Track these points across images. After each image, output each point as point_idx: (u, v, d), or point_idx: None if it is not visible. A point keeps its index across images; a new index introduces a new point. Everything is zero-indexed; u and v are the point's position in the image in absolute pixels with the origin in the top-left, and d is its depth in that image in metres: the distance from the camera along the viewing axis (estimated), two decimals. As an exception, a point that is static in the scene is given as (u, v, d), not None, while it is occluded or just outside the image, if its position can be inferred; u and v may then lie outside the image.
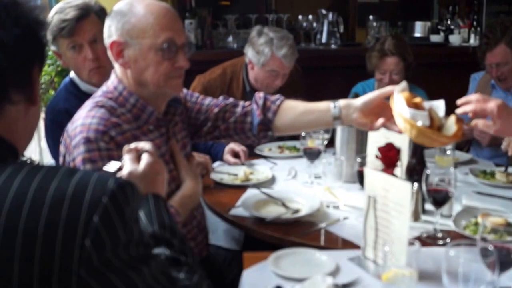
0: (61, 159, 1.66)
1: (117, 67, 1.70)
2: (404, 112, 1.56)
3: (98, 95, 1.70)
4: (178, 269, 1.13)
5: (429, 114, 1.57)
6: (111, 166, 1.41)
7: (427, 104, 1.60)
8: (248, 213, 1.96)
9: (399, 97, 1.59)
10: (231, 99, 1.96)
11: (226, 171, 2.50)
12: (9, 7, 0.94)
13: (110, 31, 1.64)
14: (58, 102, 2.22)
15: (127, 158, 1.34)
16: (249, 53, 3.00)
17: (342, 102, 1.75)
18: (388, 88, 1.67)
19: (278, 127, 1.86)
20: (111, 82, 1.71)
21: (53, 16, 2.11)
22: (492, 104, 1.63)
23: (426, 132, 1.54)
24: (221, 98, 1.97)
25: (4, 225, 0.83)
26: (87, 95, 1.84)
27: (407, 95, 1.59)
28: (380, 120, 1.67)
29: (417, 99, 1.60)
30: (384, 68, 3.10)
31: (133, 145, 1.37)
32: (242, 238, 2.45)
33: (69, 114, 1.73)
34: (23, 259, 0.81)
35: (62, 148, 1.66)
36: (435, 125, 1.56)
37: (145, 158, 1.33)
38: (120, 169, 1.37)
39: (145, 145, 1.37)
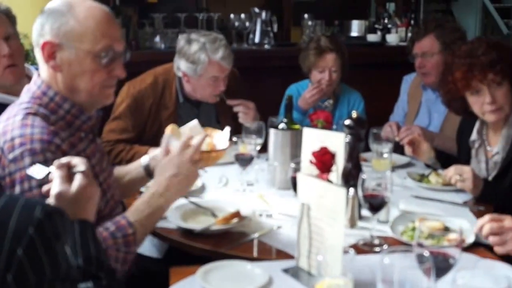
0: None
1: (45, 69, 1.64)
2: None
3: (25, 101, 1.62)
4: None
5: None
6: (36, 171, 1.34)
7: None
8: (175, 225, 1.92)
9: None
10: None
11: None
12: None
13: (43, 30, 1.59)
14: None
15: (57, 175, 1.27)
16: (182, 65, 2.83)
17: (150, 154, 2.02)
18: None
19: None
20: (38, 87, 1.63)
21: None
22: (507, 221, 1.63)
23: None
24: None
25: None
26: None
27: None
28: None
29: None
30: (323, 66, 3.12)
31: (65, 160, 1.30)
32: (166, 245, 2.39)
33: None
34: None
35: None
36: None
37: (78, 179, 1.26)
38: (46, 177, 1.31)
39: (79, 163, 1.30)
